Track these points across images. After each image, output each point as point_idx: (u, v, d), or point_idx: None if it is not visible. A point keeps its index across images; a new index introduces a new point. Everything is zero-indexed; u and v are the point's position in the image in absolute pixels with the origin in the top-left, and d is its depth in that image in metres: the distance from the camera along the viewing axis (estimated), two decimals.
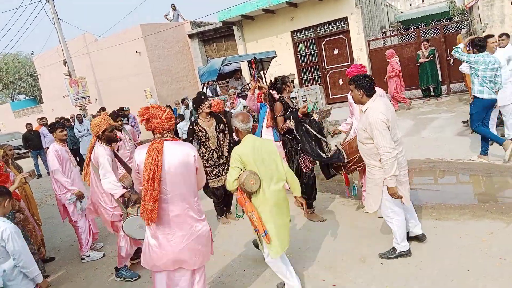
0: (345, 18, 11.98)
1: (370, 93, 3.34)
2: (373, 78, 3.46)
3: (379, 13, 14.52)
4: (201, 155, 4.99)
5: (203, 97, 4.99)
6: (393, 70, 9.81)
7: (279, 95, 4.80)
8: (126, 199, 3.92)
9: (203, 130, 4.93)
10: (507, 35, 6.42)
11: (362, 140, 3.45)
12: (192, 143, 4.88)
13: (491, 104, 5.49)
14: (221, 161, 5.05)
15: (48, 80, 20.03)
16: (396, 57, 10.02)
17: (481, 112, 5.53)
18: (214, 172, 5.03)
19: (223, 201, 5.25)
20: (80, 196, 4.76)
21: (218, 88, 11.74)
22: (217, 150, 5.01)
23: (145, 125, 2.83)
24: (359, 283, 3.32)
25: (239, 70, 11.97)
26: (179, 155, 2.75)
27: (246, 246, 4.37)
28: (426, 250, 3.61)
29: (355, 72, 4.33)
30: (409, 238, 3.64)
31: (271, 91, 4.88)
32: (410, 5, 20.79)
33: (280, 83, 4.79)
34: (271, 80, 4.98)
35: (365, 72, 4.24)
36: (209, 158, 5.01)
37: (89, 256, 4.86)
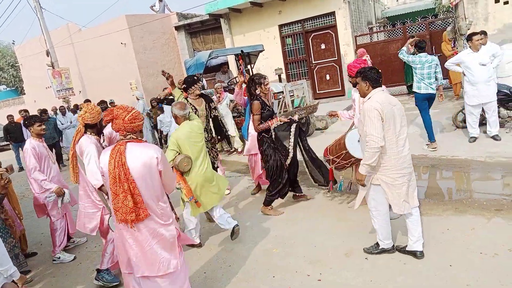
0: (333, 13, 11.98)
1: (376, 85, 3.31)
2: (380, 71, 3.40)
3: (366, 8, 14.58)
4: None
5: (195, 77, 4.97)
6: None
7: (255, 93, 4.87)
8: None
9: (193, 108, 4.86)
10: (485, 33, 6.66)
11: (361, 132, 3.38)
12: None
13: (428, 97, 6.31)
14: (212, 140, 5.07)
15: (30, 71, 19.54)
16: (367, 56, 10.17)
17: (422, 104, 6.37)
18: None
19: None
20: (59, 193, 4.44)
21: (204, 82, 11.63)
22: (206, 129, 4.95)
23: (111, 126, 2.80)
24: (344, 277, 3.35)
25: (226, 64, 11.89)
26: (141, 158, 2.65)
27: (232, 242, 4.36)
28: None
29: (354, 66, 4.27)
30: (406, 252, 3.49)
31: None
32: (397, 1, 20.94)
33: (255, 83, 4.80)
34: (250, 76, 5.01)
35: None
36: None
37: (59, 258, 4.63)
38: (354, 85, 4.24)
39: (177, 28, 16.20)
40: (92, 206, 3.93)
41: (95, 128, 3.83)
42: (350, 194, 5.02)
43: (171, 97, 5.07)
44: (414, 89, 6.39)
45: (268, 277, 3.57)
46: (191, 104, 4.91)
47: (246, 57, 10.27)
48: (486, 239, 3.52)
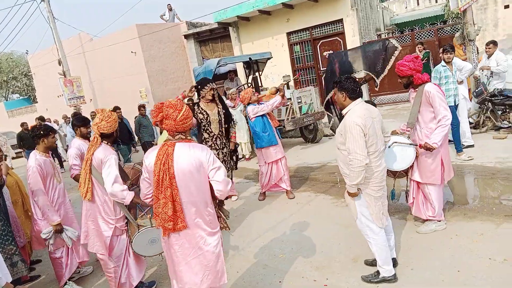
0: (341, 20, 12.04)
1: (353, 95, 3.10)
2: (357, 80, 3.20)
3: (374, 15, 14.61)
4: (204, 141, 4.76)
5: (208, 79, 4.76)
6: None
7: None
8: (137, 209, 3.48)
9: (204, 112, 4.65)
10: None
11: (338, 145, 3.18)
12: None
13: None
14: (225, 149, 4.85)
15: (43, 80, 19.93)
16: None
17: None
18: None
19: None
20: (58, 231, 3.80)
21: None
22: (219, 136, 4.78)
23: (159, 125, 2.63)
24: (351, 283, 3.33)
25: (233, 71, 11.98)
26: (188, 160, 2.49)
27: (239, 247, 4.37)
28: (417, 250, 3.64)
29: (402, 65, 3.78)
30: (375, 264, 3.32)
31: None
32: (406, 8, 20.93)
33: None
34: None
35: (420, 65, 3.77)
36: (212, 146, 4.77)
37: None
38: (406, 86, 3.91)
39: (187, 36, 16.40)
40: (104, 225, 3.47)
41: (112, 138, 3.50)
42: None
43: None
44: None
45: (274, 282, 3.56)
46: (202, 109, 4.73)
47: (255, 65, 10.35)
48: (495, 245, 3.48)
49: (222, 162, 4.67)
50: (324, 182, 6.22)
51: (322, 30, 12.54)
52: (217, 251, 2.66)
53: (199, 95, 4.75)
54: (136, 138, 9.92)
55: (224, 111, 4.89)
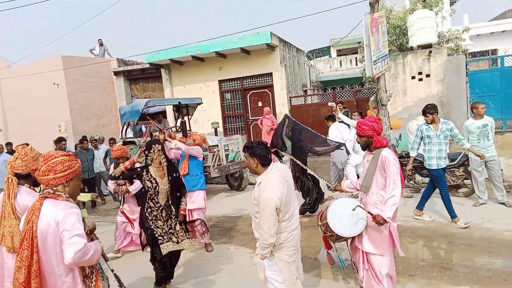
0: (270, 74, 12.69)
1: (265, 162, 3.05)
2: (268, 146, 3.14)
3: (301, 72, 15.62)
4: (148, 209, 4.20)
5: (156, 139, 4.35)
6: (265, 125, 11.01)
7: None
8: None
9: (153, 180, 4.11)
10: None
11: (254, 213, 3.10)
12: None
13: None
14: (170, 221, 4.29)
15: None
16: (271, 116, 11.15)
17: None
18: (165, 236, 4.18)
19: (166, 269, 4.33)
20: None
21: (143, 128, 11.36)
22: (166, 207, 4.24)
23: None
24: None
25: (162, 112, 11.84)
26: (48, 219, 2.23)
27: None
28: None
29: (364, 124, 3.48)
30: None
31: None
32: (330, 67, 22.79)
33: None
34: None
35: (380, 128, 3.49)
36: (157, 216, 4.21)
37: None
38: (364, 148, 3.55)
39: (116, 73, 16.02)
40: None
41: (30, 179, 3.01)
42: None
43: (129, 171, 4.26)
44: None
45: None
46: (151, 175, 4.14)
47: (184, 108, 10.35)
48: None
49: (170, 233, 4.20)
50: (245, 234, 6.20)
51: (253, 81, 13.06)
52: None
53: (147, 159, 4.18)
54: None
55: (176, 178, 4.34)
